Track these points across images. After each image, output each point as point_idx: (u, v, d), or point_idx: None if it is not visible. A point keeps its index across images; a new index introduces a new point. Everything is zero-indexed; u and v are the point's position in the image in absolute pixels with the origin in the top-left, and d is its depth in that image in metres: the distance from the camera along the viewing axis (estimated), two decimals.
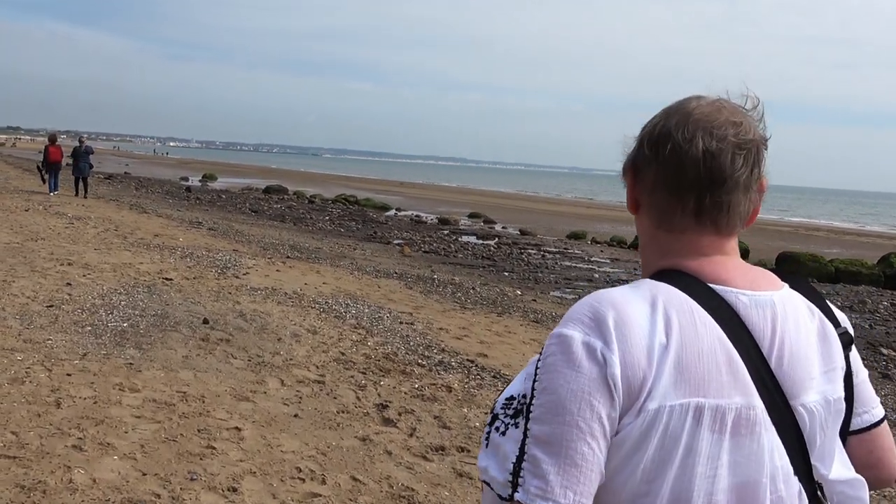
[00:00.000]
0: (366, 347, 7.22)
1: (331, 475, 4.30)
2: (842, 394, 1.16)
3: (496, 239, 25.11)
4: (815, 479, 1.13)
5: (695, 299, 1.08)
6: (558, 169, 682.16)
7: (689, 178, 1.12)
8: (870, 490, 1.20)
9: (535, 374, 1.07)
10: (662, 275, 1.14)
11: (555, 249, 22.90)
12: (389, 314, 8.92)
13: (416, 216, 32.07)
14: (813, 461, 1.12)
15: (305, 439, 4.81)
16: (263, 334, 7.32)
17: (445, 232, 26.17)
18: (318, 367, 6.46)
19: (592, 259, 21.44)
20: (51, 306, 7.69)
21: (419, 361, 6.86)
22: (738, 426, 1.05)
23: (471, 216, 33.94)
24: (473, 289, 12.26)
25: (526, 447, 1.03)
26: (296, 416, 5.21)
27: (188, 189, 36.54)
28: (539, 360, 1.09)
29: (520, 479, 1.02)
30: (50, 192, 23.13)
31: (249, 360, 6.45)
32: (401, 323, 8.50)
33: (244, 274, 10.85)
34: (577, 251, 23.10)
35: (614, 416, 1.02)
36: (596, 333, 1.04)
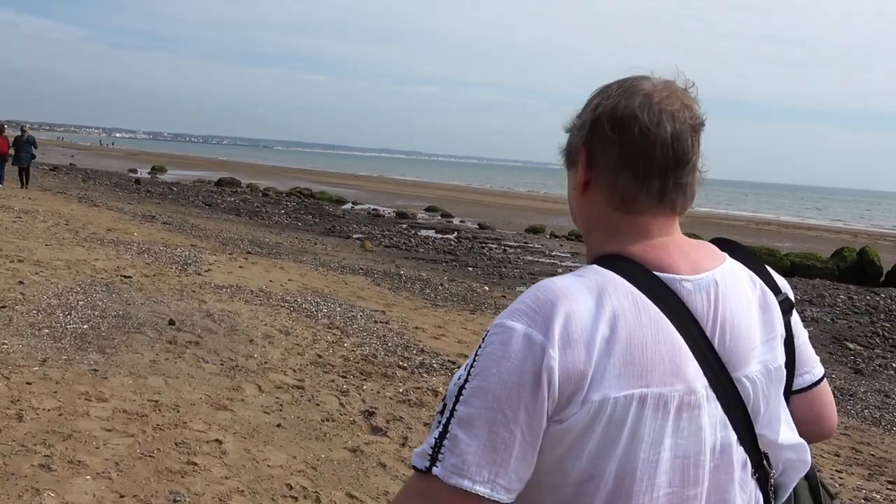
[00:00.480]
0: (343, 349, 6.90)
1: (325, 492, 3.99)
2: (782, 361, 1.21)
3: (455, 233, 24.91)
4: (761, 449, 1.18)
5: (640, 289, 1.10)
6: (513, 163, 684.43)
7: (657, 160, 1.13)
8: (809, 444, 1.26)
9: (474, 359, 1.08)
10: (607, 261, 1.14)
11: (515, 244, 22.79)
12: (362, 312, 8.60)
13: (374, 210, 31.68)
14: (758, 430, 1.17)
15: (292, 452, 4.49)
16: (234, 336, 6.94)
17: (404, 226, 25.85)
18: (295, 370, 6.12)
19: (553, 253, 21.37)
20: (3, 307, 7.20)
21: (400, 363, 6.57)
22: (681, 411, 1.09)
23: (428, 210, 33.66)
24: (442, 285, 12.00)
25: (450, 426, 1.05)
26: (279, 425, 4.88)
27: (137, 182, 35.49)
28: (479, 345, 1.09)
29: (439, 456, 1.05)
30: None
31: (222, 365, 6.09)
32: (375, 322, 8.19)
33: (206, 271, 10.40)
34: (537, 245, 23.03)
35: (543, 408, 1.04)
36: (537, 326, 1.04)
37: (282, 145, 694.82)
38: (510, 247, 21.94)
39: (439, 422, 1.11)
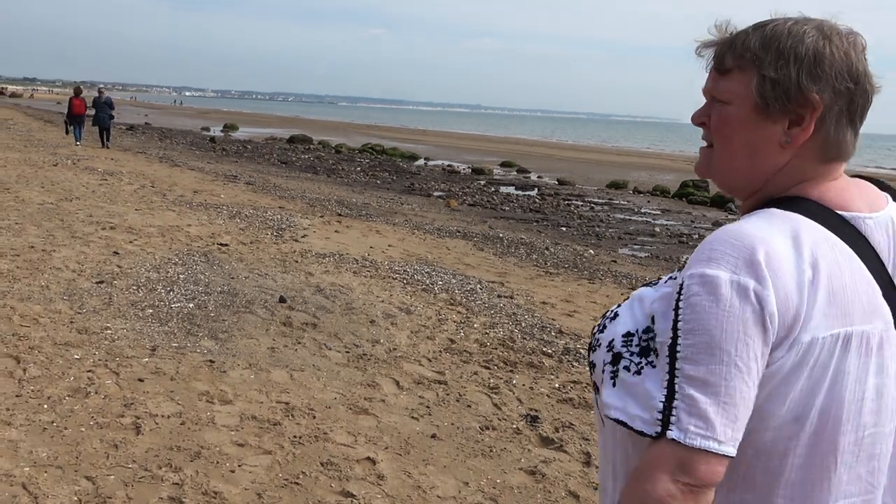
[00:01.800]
0: (474, 331, 6.05)
1: None
2: None
3: (536, 189, 23.84)
4: None
5: (828, 229, 1.07)
6: (576, 115, 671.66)
7: (867, 112, 1.12)
8: None
9: (677, 314, 1.02)
10: (788, 203, 1.10)
11: (600, 200, 21.63)
12: (480, 285, 7.73)
13: (449, 166, 30.69)
14: None
15: (461, 474, 3.66)
16: (352, 315, 6.15)
17: (482, 182, 24.87)
18: (430, 359, 5.29)
19: (643, 210, 20.16)
20: (101, 282, 6.54)
21: (543, 349, 5.69)
22: (881, 348, 1.06)
23: (503, 165, 32.54)
24: (548, 249, 11.05)
25: (677, 386, 0.99)
26: (433, 436, 4.05)
27: (212, 140, 35.23)
28: (678, 298, 1.02)
29: (672, 419, 0.98)
30: (76, 141, 22.37)
31: (348, 352, 5.30)
32: (498, 296, 7.31)
33: (303, 237, 9.66)
34: (622, 202, 21.80)
35: (766, 353, 1.00)
36: (746, 272, 0.99)
37: (346, 101, 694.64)
38: (596, 204, 20.80)
39: (614, 371, 1.08)
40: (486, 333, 6.00)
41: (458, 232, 11.90)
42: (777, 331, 1.00)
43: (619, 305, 1.20)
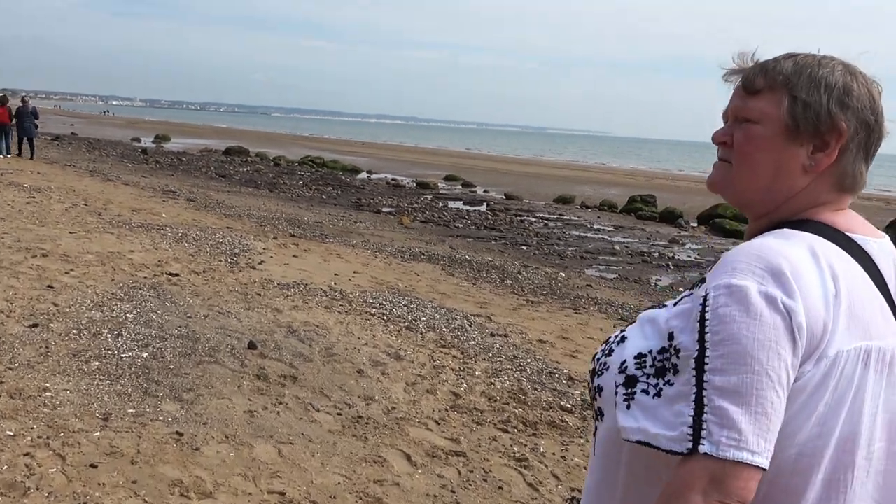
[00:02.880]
0: (478, 381, 5.26)
1: None
2: None
3: (485, 204, 23.24)
4: None
5: (841, 247, 1.08)
6: (511, 127, 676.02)
7: (877, 149, 1.15)
8: None
9: (703, 326, 0.99)
10: (800, 225, 1.11)
11: (551, 216, 21.14)
12: (466, 320, 6.96)
13: (393, 180, 29.85)
14: None
15: None
16: (335, 363, 5.30)
17: (429, 197, 24.15)
18: (437, 421, 4.49)
19: (596, 227, 19.71)
20: (34, 325, 5.54)
21: (560, 403, 4.95)
22: (893, 365, 1.06)
23: (447, 179, 31.86)
24: (520, 273, 10.34)
25: (706, 399, 0.96)
26: None
27: (144, 151, 33.54)
28: (704, 310, 1.00)
29: (703, 433, 0.95)
30: (2, 154, 20.83)
31: (339, 414, 4.45)
32: (491, 335, 6.54)
33: (260, 263, 8.73)
34: (573, 217, 21.36)
35: (796, 365, 0.99)
36: (773, 283, 0.98)
37: (280, 112, 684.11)
38: (548, 220, 20.30)
39: (630, 395, 1.05)
40: (492, 384, 5.22)
41: (423, 255, 11.10)
42: (805, 344, 0.98)
43: (623, 329, 1.18)
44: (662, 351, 1.05)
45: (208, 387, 4.67)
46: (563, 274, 11.10)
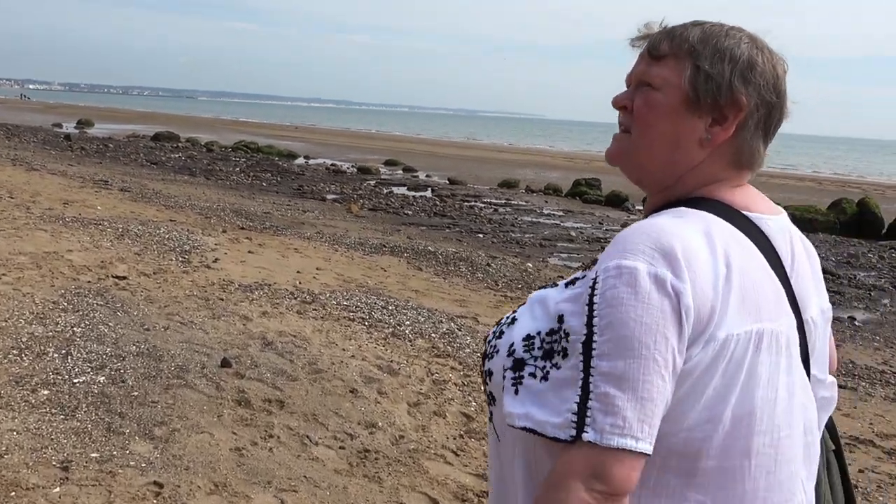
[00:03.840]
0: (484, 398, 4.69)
1: None
2: (828, 303, 1.21)
3: (429, 190, 22.69)
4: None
5: (737, 228, 1.06)
6: (446, 111, 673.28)
7: (778, 128, 1.14)
8: None
9: (591, 309, 0.96)
10: (698, 203, 1.09)
11: (498, 201, 20.70)
12: (452, 322, 6.35)
13: (332, 165, 28.94)
14: (812, 371, 1.13)
15: None
16: (323, 382, 4.63)
17: (372, 183, 23.41)
18: (455, 452, 3.88)
19: (545, 212, 19.35)
20: None
21: None
22: (789, 347, 1.04)
23: (387, 164, 31.15)
24: (489, 266, 9.78)
25: (592, 385, 0.93)
26: None
27: (67, 137, 31.66)
28: (592, 293, 0.97)
29: (587, 420, 0.92)
30: None
31: (342, 448, 3.81)
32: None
33: (214, 261, 7.94)
34: (520, 202, 20.95)
35: (682, 349, 0.96)
36: (663, 264, 0.96)
37: (206, 95, 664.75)
38: (497, 205, 19.86)
39: (517, 379, 1.01)
40: None
41: (384, 247, 10.43)
42: (693, 326, 0.96)
43: (513, 312, 1.13)
44: (551, 333, 1.01)
45: (182, 418, 3.97)
46: (530, 265, 10.61)
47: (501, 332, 1.10)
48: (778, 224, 1.12)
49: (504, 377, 1.03)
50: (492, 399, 1.11)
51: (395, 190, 22.13)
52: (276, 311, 6.10)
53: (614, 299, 0.94)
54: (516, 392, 1.01)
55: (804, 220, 19.10)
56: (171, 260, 7.78)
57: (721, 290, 0.98)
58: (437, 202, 19.44)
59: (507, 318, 1.12)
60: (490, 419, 1.14)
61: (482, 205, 19.67)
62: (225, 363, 4.72)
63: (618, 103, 1.15)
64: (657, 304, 0.93)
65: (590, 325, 0.95)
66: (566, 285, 1.07)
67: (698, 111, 1.07)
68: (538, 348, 1.01)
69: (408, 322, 6.15)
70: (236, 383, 4.46)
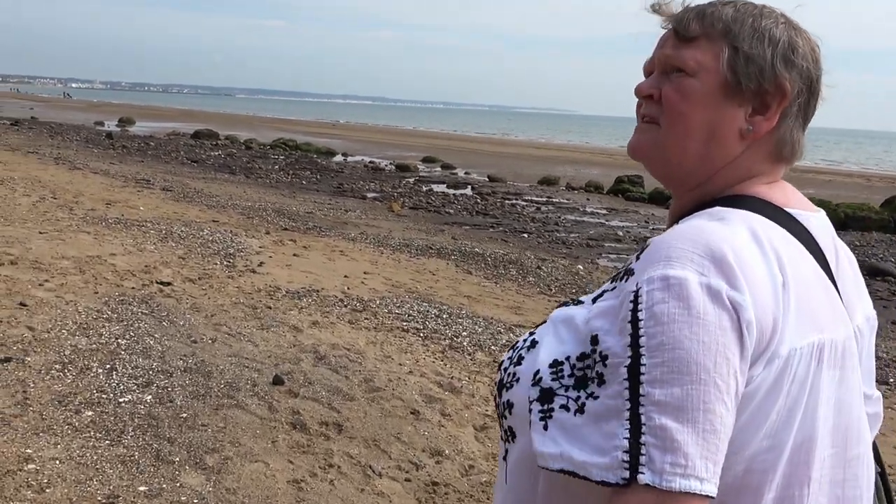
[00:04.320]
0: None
1: None
2: (873, 309, 1.07)
3: (469, 188, 22.33)
4: None
5: (783, 226, 0.93)
6: (480, 107, 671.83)
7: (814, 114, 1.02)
8: None
9: (636, 328, 0.81)
10: (734, 202, 0.95)
11: (540, 199, 20.29)
12: (511, 333, 5.99)
13: (371, 162, 28.72)
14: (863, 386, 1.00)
15: None
16: (382, 402, 4.30)
17: (411, 181, 23.12)
18: None
19: (588, 210, 18.92)
20: (7, 360, 4.46)
21: None
22: (846, 359, 0.92)
23: (426, 161, 30.87)
24: (540, 268, 9.40)
25: (643, 417, 0.78)
26: None
27: (109, 136, 31.88)
28: (635, 308, 0.82)
29: (642, 458, 0.77)
30: None
31: (408, 480, 3.45)
32: None
33: (259, 265, 7.67)
34: (562, 200, 20.53)
35: (745, 370, 0.82)
36: (715, 273, 0.82)
37: (244, 93, 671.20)
38: (539, 203, 19.45)
39: (546, 413, 0.85)
40: None
41: (430, 249, 10.10)
42: (755, 343, 0.83)
43: (532, 331, 1.00)
44: (582, 357, 0.88)
45: (235, 444, 3.66)
46: (581, 266, 10.20)
47: (521, 358, 0.97)
48: (820, 222, 1.00)
49: (530, 410, 0.90)
50: (511, 435, 0.97)
51: (435, 188, 21.82)
52: (326, 321, 5.78)
53: (664, 315, 0.81)
54: (545, 427, 0.88)
55: (857, 219, 18.43)
56: (216, 264, 7.52)
57: (781, 298, 0.86)
58: (479, 200, 19.08)
59: (525, 340, 1.00)
60: (503, 457, 1.00)
61: (524, 203, 19.29)
62: (277, 380, 4.41)
63: (643, 91, 1.01)
64: (714, 319, 0.81)
65: (635, 346, 0.82)
66: (594, 300, 0.94)
67: (739, 98, 0.96)
68: (569, 375, 0.89)
69: (465, 333, 5.79)
70: (290, 403, 4.15)
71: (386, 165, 27.87)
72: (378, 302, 6.57)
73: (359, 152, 33.52)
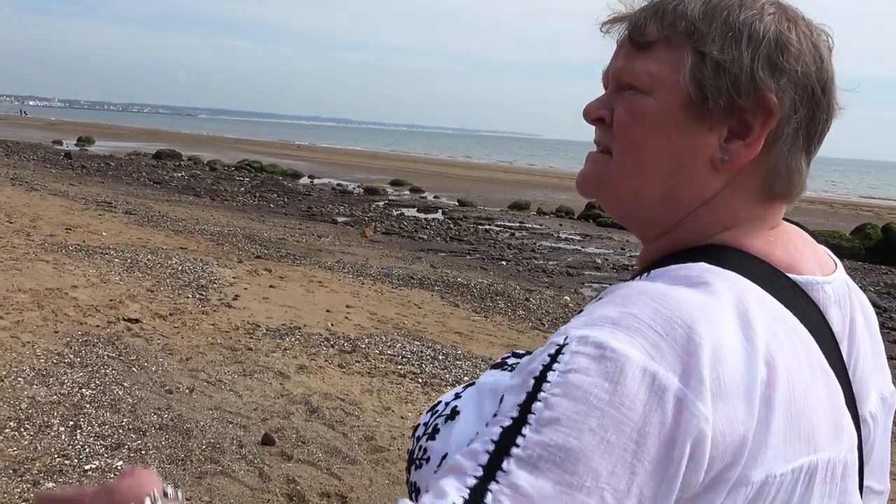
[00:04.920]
0: None
1: None
2: (892, 384, 0.85)
3: (440, 212, 21.93)
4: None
5: (783, 303, 0.70)
6: (443, 129, 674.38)
7: (825, 135, 0.77)
8: None
9: (538, 390, 0.61)
10: (719, 256, 0.71)
11: (512, 224, 19.96)
12: None
13: (338, 185, 28.18)
14: (867, 482, 0.78)
15: None
16: (387, 465, 3.78)
17: (381, 204, 22.65)
18: None
19: (562, 236, 18.59)
20: None
21: None
22: (846, 476, 0.71)
23: (394, 184, 30.42)
24: (528, 300, 8.97)
25: (489, 496, 0.57)
26: None
27: (68, 155, 30.87)
28: (550, 363, 0.62)
29: None
30: None
31: None
32: None
33: (234, 298, 7.10)
34: (535, 225, 20.20)
35: (669, 494, 0.59)
36: (670, 362, 0.60)
37: (206, 113, 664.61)
38: (513, 228, 19.11)
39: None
40: None
41: (412, 278, 9.61)
42: (706, 464, 0.60)
43: (456, 395, 0.80)
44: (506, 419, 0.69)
45: None
46: (568, 297, 9.79)
47: (436, 430, 0.79)
48: (835, 290, 0.76)
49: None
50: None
51: (406, 212, 21.37)
52: (314, 365, 5.25)
53: (577, 390, 0.60)
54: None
55: (829, 247, 18.33)
56: (188, 297, 6.94)
57: (758, 407, 0.62)
58: (451, 225, 18.65)
59: (446, 405, 0.80)
60: None
61: (497, 228, 18.93)
62: (267, 440, 3.87)
63: (591, 115, 0.80)
64: (637, 419, 0.58)
65: (525, 409, 0.61)
66: (526, 361, 0.71)
67: (707, 119, 0.72)
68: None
69: (467, 378, 5.31)
70: (284, 469, 3.61)
71: (354, 188, 27.35)
72: (367, 341, 6.05)
73: (325, 174, 32.97)
